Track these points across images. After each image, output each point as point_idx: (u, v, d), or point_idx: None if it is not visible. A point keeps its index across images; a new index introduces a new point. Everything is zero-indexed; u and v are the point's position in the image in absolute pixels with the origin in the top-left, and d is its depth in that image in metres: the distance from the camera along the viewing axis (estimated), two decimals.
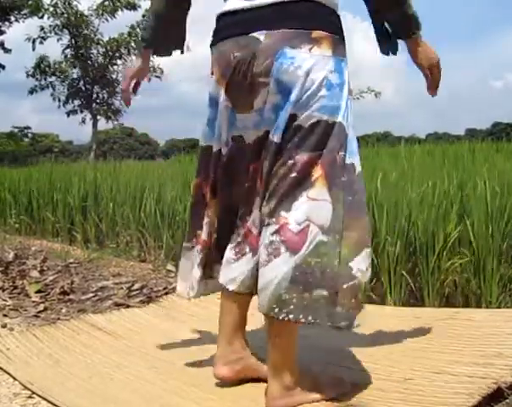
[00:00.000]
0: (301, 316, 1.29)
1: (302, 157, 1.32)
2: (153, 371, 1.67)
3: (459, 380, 1.45)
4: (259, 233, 1.40)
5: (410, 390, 1.42)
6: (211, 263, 1.53)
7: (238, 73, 1.36)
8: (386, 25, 1.52)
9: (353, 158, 1.36)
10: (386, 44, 1.54)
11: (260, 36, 1.33)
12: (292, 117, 1.32)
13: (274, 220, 1.33)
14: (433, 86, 1.52)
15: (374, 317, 2.02)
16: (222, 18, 1.43)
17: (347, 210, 1.33)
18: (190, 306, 2.29)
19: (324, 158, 1.32)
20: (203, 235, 1.52)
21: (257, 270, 1.38)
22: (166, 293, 2.61)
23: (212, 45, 1.46)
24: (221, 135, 1.44)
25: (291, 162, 1.32)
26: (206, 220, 1.52)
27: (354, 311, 1.32)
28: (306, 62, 1.31)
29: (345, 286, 1.30)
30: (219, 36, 1.43)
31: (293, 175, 1.32)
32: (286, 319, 1.30)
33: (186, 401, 1.46)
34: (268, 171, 1.35)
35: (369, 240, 1.35)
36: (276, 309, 1.29)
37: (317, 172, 1.32)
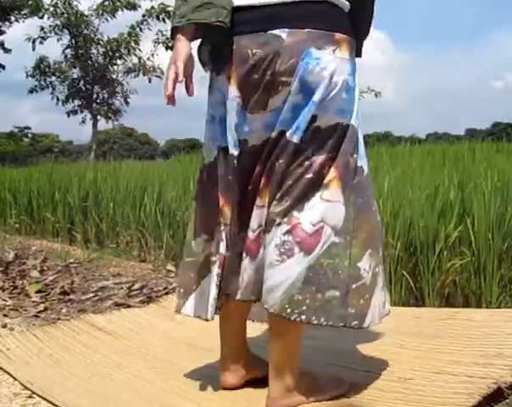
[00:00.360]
0: (313, 318, 1.29)
1: (319, 158, 1.32)
2: (152, 371, 1.67)
3: (459, 380, 1.45)
4: (258, 236, 1.37)
5: (410, 390, 1.42)
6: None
7: (257, 71, 1.31)
8: None
9: (362, 160, 1.37)
10: None
11: (282, 34, 1.30)
12: (313, 118, 1.31)
13: (286, 220, 1.32)
14: None
15: None
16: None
17: (357, 212, 1.33)
18: None
19: (338, 160, 1.33)
20: (222, 249, 1.42)
21: (259, 274, 1.37)
22: (166, 293, 2.61)
23: None
24: (229, 136, 1.37)
25: (307, 163, 1.32)
26: (224, 232, 1.42)
27: (367, 311, 1.32)
28: (330, 64, 1.31)
29: (354, 286, 1.31)
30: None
31: (309, 176, 1.31)
32: (297, 319, 1.29)
33: (186, 401, 1.46)
34: (283, 171, 1.32)
35: (374, 240, 1.35)
36: (289, 310, 1.29)
37: (332, 174, 1.32)
